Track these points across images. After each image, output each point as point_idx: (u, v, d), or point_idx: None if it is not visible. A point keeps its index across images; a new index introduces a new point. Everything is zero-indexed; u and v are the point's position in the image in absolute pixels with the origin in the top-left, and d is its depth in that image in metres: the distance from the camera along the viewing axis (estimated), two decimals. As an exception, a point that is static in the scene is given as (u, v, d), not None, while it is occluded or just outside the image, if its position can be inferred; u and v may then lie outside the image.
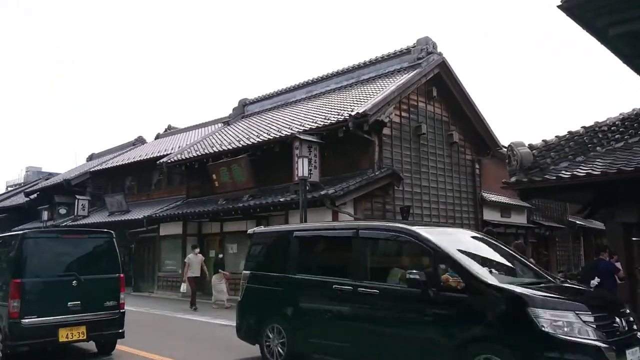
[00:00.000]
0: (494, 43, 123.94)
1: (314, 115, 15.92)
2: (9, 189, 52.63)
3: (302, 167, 12.82)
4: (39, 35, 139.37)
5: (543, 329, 4.55)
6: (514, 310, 4.81)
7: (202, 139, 20.74)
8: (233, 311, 12.58)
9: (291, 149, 14.28)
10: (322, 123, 14.34)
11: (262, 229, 8.75)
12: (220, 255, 14.58)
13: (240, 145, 16.49)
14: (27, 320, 6.73)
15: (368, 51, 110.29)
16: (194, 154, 18.44)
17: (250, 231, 8.24)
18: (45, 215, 25.25)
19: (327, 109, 15.95)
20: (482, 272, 5.31)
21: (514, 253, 6.57)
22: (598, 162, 8.82)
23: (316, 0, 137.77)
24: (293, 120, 16.62)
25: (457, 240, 5.94)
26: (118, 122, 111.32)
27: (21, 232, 7.73)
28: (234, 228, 16.89)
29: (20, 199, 33.08)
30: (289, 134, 14.74)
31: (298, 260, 6.91)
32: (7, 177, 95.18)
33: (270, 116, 19.53)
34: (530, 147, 9.40)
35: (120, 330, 7.60)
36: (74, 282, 7.14)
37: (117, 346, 7.98)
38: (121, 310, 7.58)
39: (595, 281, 8.96)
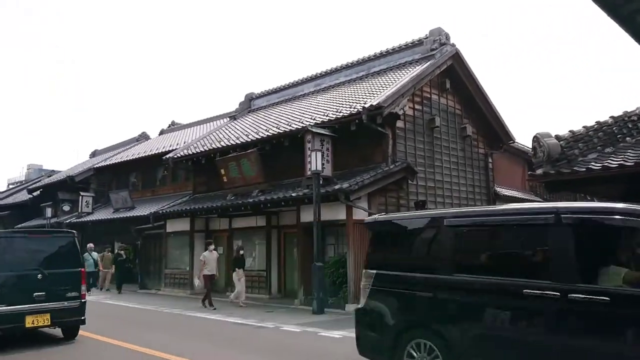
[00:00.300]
0: (494, 43, 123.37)
1: (325, 108, 15.57)
2: (10, 186, 52.39)
3: (316, 161, 12.51)
4: (39, 34, 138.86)
5: None
6: None
7: (208, 134, 20.41)
8: (246, 310, 12.56)
9: (302, 143, 13.94)
10: (334, 116, 13.97)
11: (390, 216, 6.81)
12: (242, 252, 14.09)
13: (249, 140, 16.15)
14: None
15: (373, 44, 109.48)
16: (201, 149, 18.10)
17: (369, 219, 6.72)
18: (48, 212, 24.95)
19: (338, 102, 15.60)
20: None
21: None
22: (629, 153, 8.49)
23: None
24: (303, 113, 16.27)
25: None
26: (120, 119, 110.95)
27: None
28: (243, 224, 16.57)
29: (23, 196, 32.82)
30: (300, 127, 14.40)
31: (455, 256, 5.36)
32: (8, 174, 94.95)
33: (278, 110, 19.19)
34: (557, 138, 9.07)
35: (82, 318, 8.60)
36: (39, 275, 8.13)
37: (135, 346, 7.71)
38: (82, 300, 8.55)
39: None
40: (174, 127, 29.51)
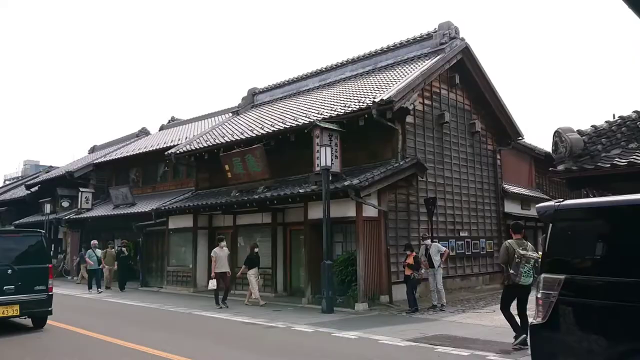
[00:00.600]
0: (495, 42, 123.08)
1: (332, 103, 15.26)
2: (7, 182, 51.95)
3: (325, 157, 12.21)
4: (36, 28, 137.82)
5: None
6: None
7: (211, 129, 20.08)
8: (253, 309, 12.21)
9: (309, 139, 13.63)
10: (342, 111, 13.66)
11: (585, 202, 5.22)
12: (256, 250, 13.68)
13: (254, 135, 15.84)
14: None
15: (379, 38, 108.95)
16: (204, 145, 17.77)
17: (544, 206, 4.89)
18: (47, 208, 24.65)
19: (345, 97, 15.29)
20: None
21: None
22: (656, 148, 8.22)
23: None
24: (309, 108, 15.96)
25: None
26: (118, 115, 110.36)
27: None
28: (248, 221, 16.26)
29: (21, 192, 32.45)
30: (307, 122, 14.09)
31: None
32: (4, 170, 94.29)
33: (282, 105, 18.88)
34: (580, 132, 8.79)
35: (49, 309, 9.44)
36: (9, 270, 8.90)
37: (137, 346, 7.39)
38: (49, 293, 9.37)
39: None
40: (174, 122, 29.16)
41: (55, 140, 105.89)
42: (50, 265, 9.64)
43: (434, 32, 15.94)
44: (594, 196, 9.83)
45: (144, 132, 29.96)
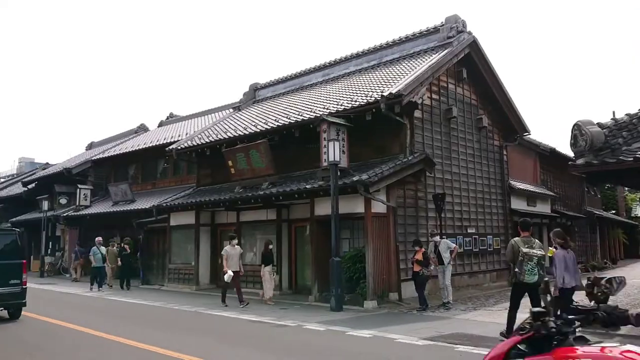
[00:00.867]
0: (497, 41, 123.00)
1: (337, 97, 15.00)
2: (2, 179, 51.44)
3: (333, 151, 11.95)
4: (30, 22, 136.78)
5: None
6: None
7: (212, 124, 19.79)
8: (258, 307, 11.78)
9: (314, 134, 13.41)
10: (349, 105, 13.40)
11: None
12: (271, 246, 13.23)
13: (258, 130, 15.56)
14: None
15: (383, 33, 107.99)
16: (206, 140, 17.48)
17: None
18: (45, 205, 24.32)
19: (351, 92, 15.04)
20: None
21: None
22: (679, 142, 7.99)
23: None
24: (314, 103, 15.69)
25: None
26: (115, 111, 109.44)
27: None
28: (252, 217, 15.98)
29: (17, 189, 32.06)
30: (312, 117, 13.83)
31: None
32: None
33: (285, 100, 18.61)
34: (600, 125, 8.56)
35: (24, 301, 10.23)
36: None
37: (139, 344, 7.12)
38: (23, 287, 10.15)
39: None
40: (172, 118, 28.82)
41: (51, 137, 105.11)
42: (24, 262, 10.47)
43: (440, 26, 15.70)
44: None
45: (142, 128, 29.61)
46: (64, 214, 24.46)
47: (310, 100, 16.42)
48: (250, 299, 12.70)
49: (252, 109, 20.05)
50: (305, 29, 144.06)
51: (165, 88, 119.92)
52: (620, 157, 8.06)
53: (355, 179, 11.91)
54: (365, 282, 11.94)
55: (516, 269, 7.22)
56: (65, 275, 24.07)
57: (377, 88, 13.79)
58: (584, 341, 2.88)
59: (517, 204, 17.92)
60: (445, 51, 14.53)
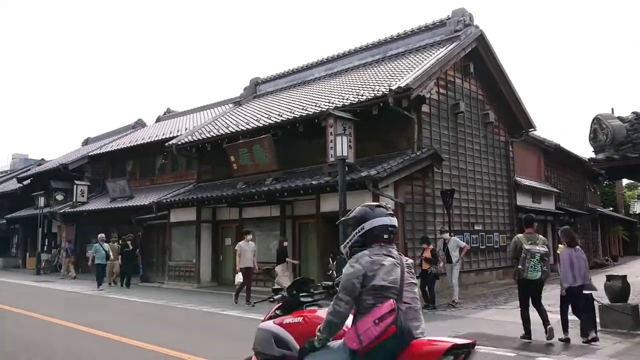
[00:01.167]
0: (498, 36, 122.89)
1: (342, 92, 14.74)
2: (-4, 176, 50.83)
3: (341, 146, 11.63)
4: (23, 17, 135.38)
5: None
6: None
7: (213, 119, 19.47)
8: (263, 305, 11.35)
9: (318, 129, 13.17)
10: (356, 99, 13.13)
11: None
12: (285, 243, 12.85)
13: (261, 125, 15.27)
14: None
15: (384, 27, 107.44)
16: (207, 135, 17.17)
17: None
18: (41, 201, 23.93)
19: (356, 86, 14.77)
20: None
21: None
22: (703, 136, 7.77)
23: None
24: (318, 97, 15.41)
25: None
26: (111, 107, 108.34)
27: None
28: (255, 214, 15.69)
29: (12, 185, 31.63)
30: (317, 111, 13.55)
31: None
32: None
33: (288, 95, 18.33)
34: (620, 119, 8.32)
35: None
36: None
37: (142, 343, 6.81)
38: None
39: None
40: (170, 114, 28.45)
41: (45, 133, 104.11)
42: None
43: (447, 19, 15.46)
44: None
45: (140, 124, 29.23)
46: (61, 211, 24.10)
47: (314, 95, 16.14)
48: (260, 297, 12.32)
49: (253, 103, 19.74)
50: (305, 23, 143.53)
51: (162, 83, 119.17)
52: (644, 152, 7.82)
53: (363, 174, 11.64)
54: (373, 280, 11.68)
55: (519, 266, 7.17)
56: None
57: (383, 82, 13.53)
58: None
59: (523, 201, 17.72)
60: (453, 45, 14.27)
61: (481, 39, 15.14)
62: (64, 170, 25.02)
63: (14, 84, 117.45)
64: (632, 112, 8.51)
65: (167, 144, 18.60)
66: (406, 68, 13.99)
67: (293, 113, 14.77)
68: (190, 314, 11.07)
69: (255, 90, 21.31)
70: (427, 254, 11.22)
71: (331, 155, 12.48)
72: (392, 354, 2.67)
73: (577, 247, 7.59)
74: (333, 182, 12.01)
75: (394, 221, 3.04)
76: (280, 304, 3.61)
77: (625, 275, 8.55)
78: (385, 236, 2.98)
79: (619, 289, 8.34)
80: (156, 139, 22.36)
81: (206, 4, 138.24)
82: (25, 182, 29.17)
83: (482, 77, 15.95)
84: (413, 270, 3.07)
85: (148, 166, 23.99)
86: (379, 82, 13.90)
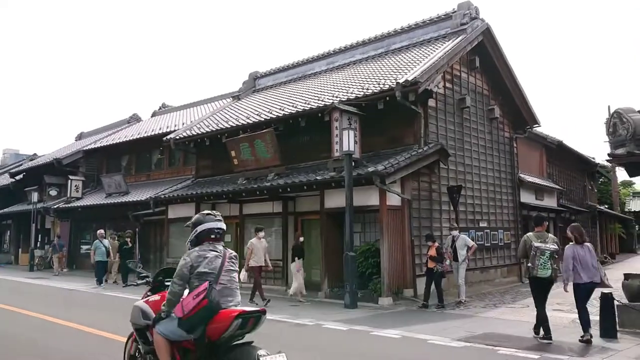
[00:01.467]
0: (500, 36, 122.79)
1: (345, 86, 14.44)
2: (-14, 171, 50.10)
3: (348, 140, 11.38)
4: (16, 11, 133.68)
5: None
6: None
7: (211, 114, 19.11)
8: (270, 304, 11.09)
9: (321, 123, 12.93)
10: (361, 93, 12.83)
11: None
12: (301, 239, 12.33)
13: (262, 119, 14.93)
14: None
15: (386, 20, 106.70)
16: (206, 130, 16.82)
17: None
18: (34, 197, 23.50)
19: (359, 80, 14.47)
20: None
21: None
22: None
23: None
24: (321, 91, 15.09)
25: None
26: (104, 101, 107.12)
27: None
28: (256, 210, 15.34)
29: (4, 180, 31.09)
30: (321, 105, 13.25)
31: None
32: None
33: (289, 89, 17.99)
34: (641, 113, 8.07)
35: None
36: None
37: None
38: None
39: None
40: (166, 109, 28.03)
41: (36, 128, 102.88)
42: None
43: (452, 13, 15.16)
44: None
45: (135, 119, 28.78)
46: (54, 206, 23.65)
47: (316, 89, 15.82)
48: (271, 296, 12.01)
49: (252, 98, 19.39)
50: (304, 15, 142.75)
51: (157, 78, 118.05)
52: (666, 147, 7.59)
53: (370, 169, 11.36)
54: (378, 278, 11.45)
55: (529, 264, 7.14)
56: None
57: (388, 76, 13.24)
58: None
59: (526, 198, 17.53)
60: (460, 38, 13.99)
61: (487, 32, 14.87)
62: (58, 165, 24.57)
63: (4, 78, 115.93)
64: (653, 106, 8.27)
65: (164, 138, 18.24)
66: (411, 62, 13.71)
67: (296, 107, 14.45)
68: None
69: (254, 84, 20.95)
70: (432, 252, 10.98)
71: (336, 150, 12.20)
72: (205, 318, 3.58)
73: (586, 243, 7.41)
74: (339, 178, 11.73)
75: (220, 225, 3.99)
76: (150, 288, 4.53)
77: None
78: (213, 236, 3.91)
79: (638, 288, 8.13)
80: (152, 133, 22.01)
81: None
82: (17, 177, 28.68)
83: (488, 71, 15.70)
84: (234, 261, 3.96)
85: (144, 161, 23.61)
86: (384, 75, 13.59)
